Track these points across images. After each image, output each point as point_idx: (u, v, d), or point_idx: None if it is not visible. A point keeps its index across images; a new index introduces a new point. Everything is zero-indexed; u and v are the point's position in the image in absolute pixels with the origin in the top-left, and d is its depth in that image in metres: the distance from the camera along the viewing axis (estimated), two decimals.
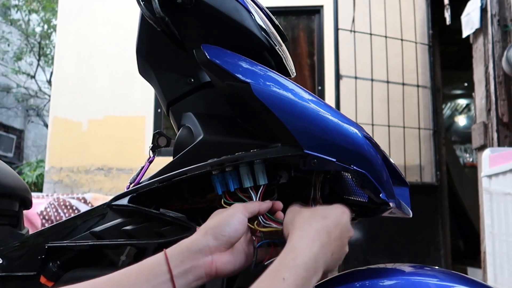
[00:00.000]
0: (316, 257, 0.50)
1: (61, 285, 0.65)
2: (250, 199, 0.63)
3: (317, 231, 0.53)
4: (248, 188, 0.63)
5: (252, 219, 0.60)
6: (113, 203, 0.68)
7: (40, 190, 5.72)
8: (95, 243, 0.66)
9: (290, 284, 0.46)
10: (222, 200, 0.64)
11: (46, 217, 2.80)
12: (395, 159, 3.31)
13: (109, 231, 0.66)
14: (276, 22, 0.83)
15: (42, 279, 0.66)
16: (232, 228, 0.54)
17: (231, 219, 0.55)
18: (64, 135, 4.22)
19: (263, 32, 0.73)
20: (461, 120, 8.90)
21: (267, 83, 0.63)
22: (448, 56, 5.50)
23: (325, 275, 0.56)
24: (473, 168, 5.16)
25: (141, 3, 0.69)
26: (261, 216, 0.61)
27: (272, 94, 0.62)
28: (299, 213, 0.56)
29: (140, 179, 0.77)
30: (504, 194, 2.21)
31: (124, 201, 0.67)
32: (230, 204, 0.62)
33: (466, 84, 7.16)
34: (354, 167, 0.63)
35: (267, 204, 0.62)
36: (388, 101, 3.61)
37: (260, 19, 0.74)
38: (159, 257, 0.51)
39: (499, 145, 2.72)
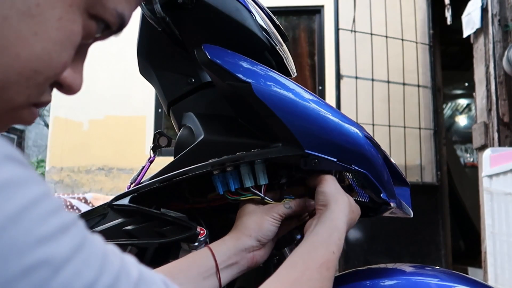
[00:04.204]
0: (345, 232, 0.59)
1: None
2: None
3: (345, 211, 0.60)
4: (249, 188, 0.63)
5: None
6: (113, 203, 0.68)
7: None
8: None
9: (336, 258, 0.55)
10: (232, 198, 0.65)
11: None
12: (396, 159, 3.31)
13: (110, 231, 0.66)
14: (277, 22, 0.83)
15: None
16: (272, 233, 0.63)
17: (270, 225, 0.63)
18: (65, 135, 4.22)
19: (264, 32, 0.73)
20: (461, 120, 8.89)
21: (268, 83, 0.63)
22: (449, 56, 5.49)
23: None
24: (474, 168, 5.16)
25: (142, 3, 0.69)
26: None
27: (273, 94, 0.62)
28: (340, 190, 0.62)
29: (141, 179, 0.77)
30: (504, 194, 2.21)
31: (125, 201, 0.67)
32: (236, 200, 0.64)
33: (466, 84, 7.16)
34: (355, 167, 0.63)
35: (304, 204, 0.66)
36: (389, 101, 3.61)
37: (261, 19, 0.74)
38: (206, 252, 0.59)
39: (499, 145, 2.71)
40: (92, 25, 0.33)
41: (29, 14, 0.29)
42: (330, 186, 0.61)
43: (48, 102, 0.34)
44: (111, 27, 0.34)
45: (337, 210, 0.59)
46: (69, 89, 0.35)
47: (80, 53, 0.35)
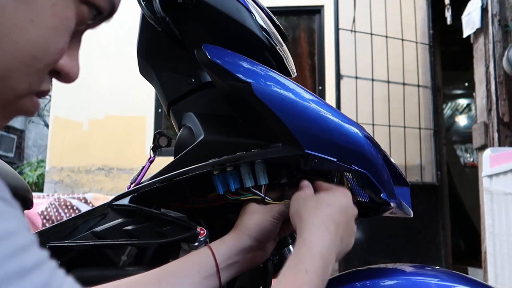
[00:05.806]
0: (328, 245, 0.54)
1: None
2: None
3: (323, 221, 0.55)
4: (249, 188, 0.63)
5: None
6: (114, 203, 0.68)
7: (41, 190, 5.72)
8: (96, 243, 0.66)
9: (312, 274, 0.49)
10: (233, 198, 0.65)
11: (47, 217, 2.80)
12: (396, 159, 3.30)
13: (110, 231, 0.66)
14: (277, 22, 0.83)
15: None
16: (272, 233, 0.63)
17: (271, 225, 0.63)
18: (65, 135, 4.22)
19: (264, 32, 0.73)
20: (461, 120, 8.90)
21: (268, 83, 0.63)
22: (449, 56, 5.49)
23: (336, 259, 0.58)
24: (474, 168, 5.16)
25: (142, 3, 0.69)
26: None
27: (273, 94, 0.62)
28: (304, 204, 0.58)
29: (141, 179, 0.77)
30: (504, 194, 2.21)
31: (125, 201, 0.67)
32: (236, 200, 0.64)
33: (466, 84, 7.16)
34: (355, 167, 0.63)
35: None
36: (389, 101, 3.61)
37: (261, 19, 0.74)
38: (207, 251, 0.59)
39: (499, 145, 2.71)
40: (84, 11, 0.34)
41: (24, 1, 0.29)
42: (294, 205, 0.59)
43: (49, 90, 0.35)
44: (102, 12, 0.35)
45: (305, 228, 0.54)
46: (67, 77, 0.35)
47: (74, 40, 0.36)
